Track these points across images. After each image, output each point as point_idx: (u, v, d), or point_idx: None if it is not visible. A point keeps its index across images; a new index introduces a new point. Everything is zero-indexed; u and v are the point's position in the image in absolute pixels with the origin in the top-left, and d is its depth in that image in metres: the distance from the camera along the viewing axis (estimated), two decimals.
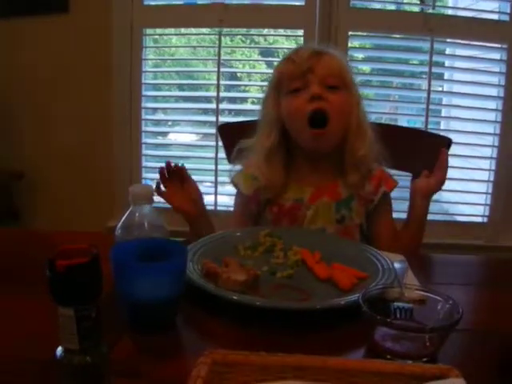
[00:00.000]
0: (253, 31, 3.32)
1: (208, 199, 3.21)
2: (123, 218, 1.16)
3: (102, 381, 0.82)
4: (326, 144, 1.64)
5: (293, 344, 0.98)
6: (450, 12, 3.18)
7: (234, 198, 1.84)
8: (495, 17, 3.01)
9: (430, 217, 2.94)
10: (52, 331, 0.80)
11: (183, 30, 3.30)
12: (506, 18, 2.90)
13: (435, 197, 3.31)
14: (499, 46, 2.94)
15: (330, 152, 1.67)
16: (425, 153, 1.85)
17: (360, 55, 3.36)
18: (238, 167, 1.79)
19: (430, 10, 2.92)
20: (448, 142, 1.84)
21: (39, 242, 1.32)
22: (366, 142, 1.65)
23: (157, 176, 1.60)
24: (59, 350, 0.81)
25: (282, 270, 1.25)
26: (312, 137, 1.60)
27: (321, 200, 1.68)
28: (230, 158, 1.84)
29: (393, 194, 1.78)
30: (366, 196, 1.71)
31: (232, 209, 1.86)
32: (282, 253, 1.34)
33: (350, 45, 2.99)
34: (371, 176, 1.71)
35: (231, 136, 1.91)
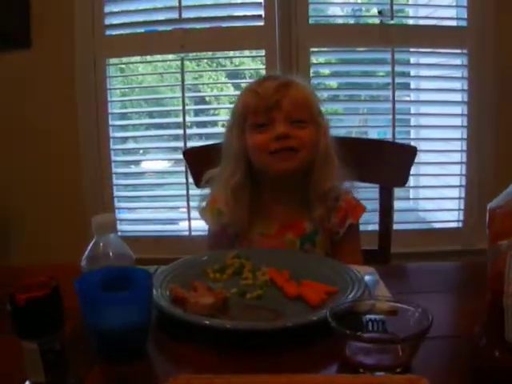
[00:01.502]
0: (216, 54, 3.32)
1: (182, 225, 3.21)
2: (88, 249, 1.15)
3: None
4: (292, 166, 1.59)
5: (266, 365, 0.96)
6: (410, 22, 3.21)
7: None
8: (453, 23, 3.04)
9: (406, 226, 3.00)
10: (19, 365, 0.78)
11: (148, 58, 3.29)
12: (463, 23, 2.93)
13: (410, 205, 3.35)
14: (459, 51, 2.97)
15: (297, 184, 1.65)
16: (390, 163, 1.85)
17: (325, 71, 3.38)
18: (206, 196, 1.78)
19: (390, 21, 2.94)
20: (413, 151, 1.84)
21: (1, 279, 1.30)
22: (332, 173, 1.63)
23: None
24: None
25: (251, 291, 1.23)
26: (278, 160, 1.58)
27: (285, 236, 1.66)
28: (198, 184, 1.83)
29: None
30: (332, 228, 1.69)
31: (207, 233, 1.84)
32: (251, 274, 1.32)
33: (313, 61, 2.99)
34: (338, 207, 1.68)
35: (197, 160, 1.91)
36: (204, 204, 1.76)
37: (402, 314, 1.01)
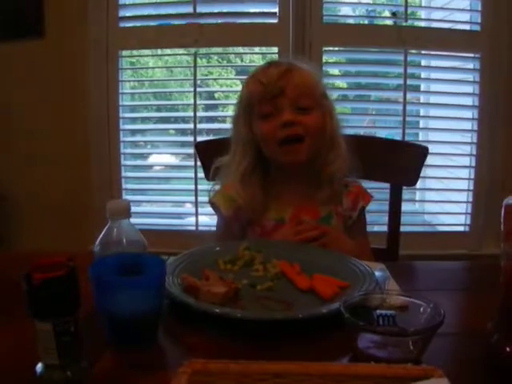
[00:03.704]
0: (228, 50, 3.32)
1: (189, 220, 3.21)
2: (101, 235, 1.15)
3: None
4: (300, 157, 1.61)
5: (275, 355, 0.96)
6: (422, 24, 3.22)
7: (215, 217, 1.82)
8: (467, 27, 3.04)
9: (411, 228, 3.00)
10: (32, 348, 0.78)
11: (159, 52, 3.30)
12: (477, 27, 2.93)
13: (416, 208, 3.34)
14: (472, 55, 2.97)
15: (305, 167, 1.66)
16: (402, 163, 1.86)
17: (336, 70, 3.38)
18: (216, 186, 1.78)
19: (403, 23, 2.94)
20: (424, 152, 1.85)
21: (19, 263, 1.30)
22: (339, 155, 1.65)
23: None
24: (39, 366, 0.80)
25: (262, 283, 1.23)
26: (285, 153, 1.60)
27: (301, 219, 1.66)
28: (208, 177, 1.83)
29: (372, 207, 1.78)
30: (345, 213, 1.71)
31: (214, 229, 1.84)
32: (262, 266, 1.33)
33: (324, 60, 2.99)
34: (348, 192, 1.72)
35: (208, 153, 1.90)
36: (215, 192, 1.77)
37: (414, 310, 1.01)
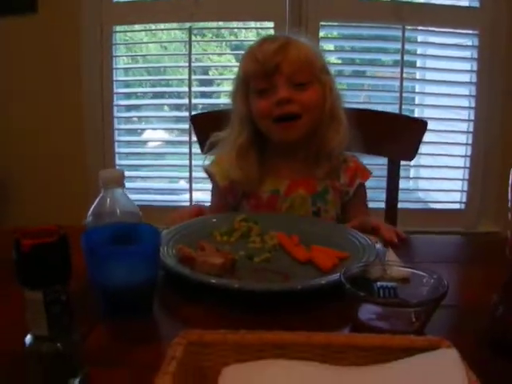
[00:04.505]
0: (223, 25, 3.28)
1: (183, 196, 3.18)
2: (93, 205, 1.12)
3: (75, 370, 0.78)
4: (295, 135, 1.59)
5: (274, 326, 0.94)
6: (420, 0, 3.18)
7: (209, 193, 1.81)
8: (466, 3, 3.00)
9: (406, 205, 2.98)
10: (22, 319, 0.76)
11: (153, 27, 3.25)
12: (476, 4, 2.90)
13: (411, 185, 3.32)
14: (470, 32, 2.94)
15: (304, 142, 1.63)
16: (401, 136, 1.83)
17: (332, 45, 3.34)
18: (212, 156, 1.76)
19: None
20: (423, 126, 1.82)
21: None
22: (340, 131, 1.62)
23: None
24: (28, 337, 0.77)
25: (259, 254, 1.22)
26: (281, 130, 1.58)
27: (297, 193, 1.65)
28: (203, 150, 1.81)
29: (368, 184, 1.76)
30: (342, 188, 1.70)
31: (208, 204, 1.81)
32: (259, 238, 1.31)
33: (321, 35, 2.96)
34: (346, 167, 1.70)
35: (204, 126, 1.88)
36: (211, 161, 1.75)
37: (415, 282, 0.99)
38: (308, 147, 1.65)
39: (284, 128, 1.57)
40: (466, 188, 3.03)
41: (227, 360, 0.71)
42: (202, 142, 1.85)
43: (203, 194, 2.99)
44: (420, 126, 1.84)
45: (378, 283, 1.01)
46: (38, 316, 0.76)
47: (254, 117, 1.62)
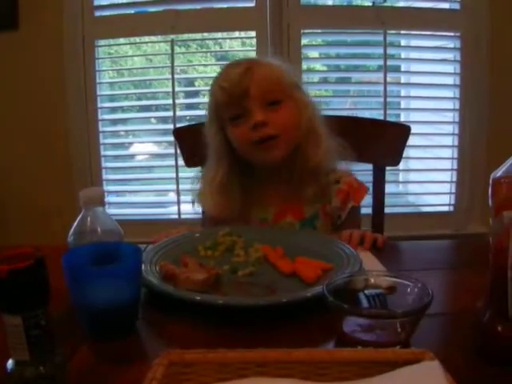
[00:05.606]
0: (206, 36, 3.27)
1: (171, 209, 3.17)
2: (74, 224, 1.11)
3: None
4: (279, 154, 1.57)
5: (259, 342, 0.93)
6: (401, 4, 3.18)
7: (196, 205, 1.80)
8: (446, 6, 3.01)
9: (396, 210, 2.98)
10: (2, 345, 0.75)
11: (137, 40, 3.24)
12: (456, 6, 2.90)
13: (401, 189, 3.32)
14: (452, 34, 2.94)
15: (287, 162, 1.60)
16: (385, 142, 1.83)
17: (315, 53, 3.34)
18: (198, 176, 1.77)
19: (383, 3, 2.91)
20: (406, 130, 1.82)
21: None
22: (320, 145, 1.60)
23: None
24: (10, 362, 0.77)
25: (243, 268, 1.21)
26: (263, 151, 1.56)
27: (284, 220, 1.63)
28: (188, 163, 1.80)
29: None
30: (333, 212, 1.66)
31: (195, 216, 1.85)
32: (243, 251, 1.30)
33: (304, 42, 2.95)
34: (338, 190, 1.65)
35: (187, 139, 1.88)
36: (200, 189, 1.73)
37: (400, 290, 0.98)
38: (292, 167, 1.61)
39: (266, 149, 1.55)
40: (454, 190, 3.03)
41: (208, 379, 0.70)
42: (185, 155, 1.84)
43: (191, 207, 2.97)
44: (403, 130, 1.83)
45: (365, 291, 1.00)
46: (19, 341, 0.75)
47: (234, 145, 1.60)
